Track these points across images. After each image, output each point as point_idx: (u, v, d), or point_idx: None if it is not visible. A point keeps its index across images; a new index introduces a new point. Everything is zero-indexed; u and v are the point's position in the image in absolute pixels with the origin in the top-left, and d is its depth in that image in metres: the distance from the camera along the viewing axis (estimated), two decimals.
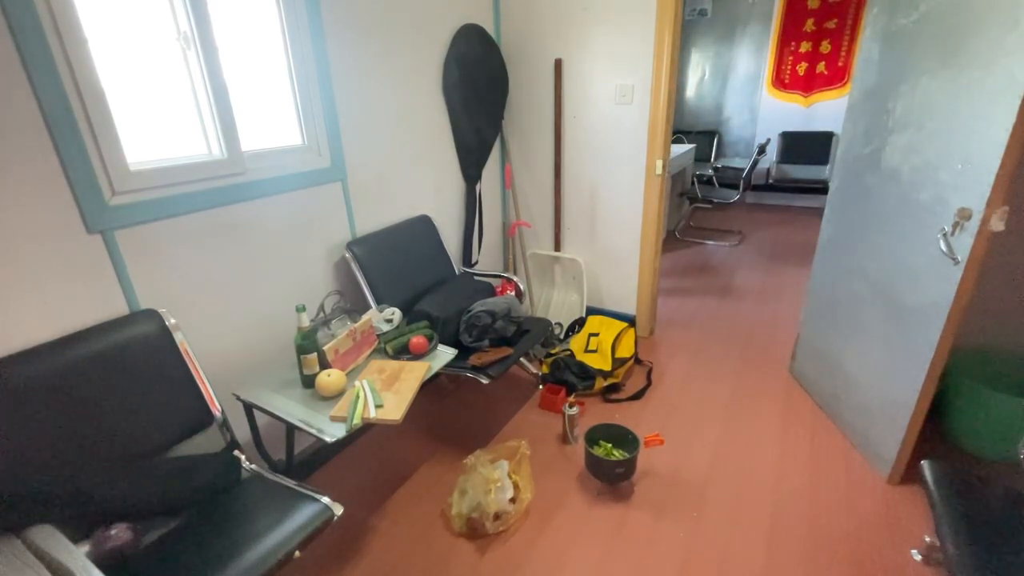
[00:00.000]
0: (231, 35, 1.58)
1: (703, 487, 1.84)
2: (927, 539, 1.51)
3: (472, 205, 2.69)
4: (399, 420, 1.43)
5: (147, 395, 1.33)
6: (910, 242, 1.65)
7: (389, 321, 1.87)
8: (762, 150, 4.31)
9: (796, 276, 3.67)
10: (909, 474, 1.78)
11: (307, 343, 1.52)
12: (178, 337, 1.42)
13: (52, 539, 1.02)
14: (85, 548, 1.10)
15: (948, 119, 1.49)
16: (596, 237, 2.84)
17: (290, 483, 1.35)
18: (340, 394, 1.51)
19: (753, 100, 5.31)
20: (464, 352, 1.93)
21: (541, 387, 2.41)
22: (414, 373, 1.63)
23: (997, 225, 1.37)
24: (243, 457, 1.46)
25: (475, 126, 2.57)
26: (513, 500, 1.70)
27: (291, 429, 1.54)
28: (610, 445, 1.88)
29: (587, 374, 2.38)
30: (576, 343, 2.55)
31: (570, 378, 2.37)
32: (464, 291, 2.20)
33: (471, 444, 2.00)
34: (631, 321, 2.71)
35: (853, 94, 1.97)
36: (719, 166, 5.20)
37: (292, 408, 1.47)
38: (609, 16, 2.38)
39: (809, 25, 4.70)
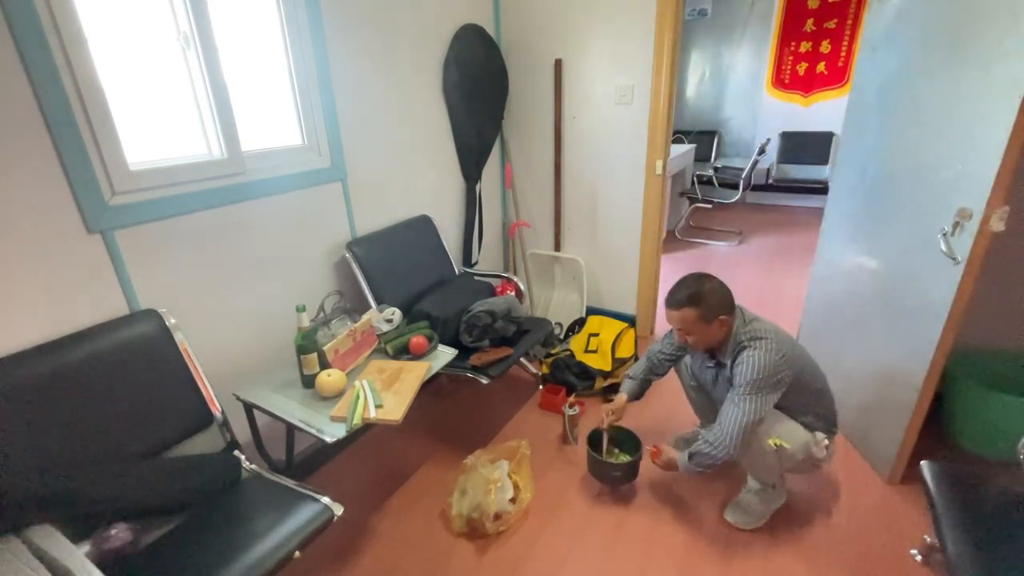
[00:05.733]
0: (231, 35, 1.58)
1: (703, 487, 1.84)
2: (927, 539, 1.51)
3: (472, 205, 2.69)
4: (399, 420, 1.43)
5: (147, 395, 1.33)
6: (910, 242, 1.65)
7: (389, 321, 1.87)
8: (762, 150, 4.31)
9: (796, 276, 3.67)
10: (909, 474, 1.78)
11: (307, 343, 1.52)
12: (178, 337, 1.42)
13: (52, 539, 1.02)
14: (85, 548, 1.10)
15: (948, 119, 1.49)
16: (596, 237, 2.84)
17: (290, 483, 1.35)
18: (340, 394, 1.51)
19: (753, 100, 5.31)
20: (464, 352, 1.93)
21: (541, 387, 2.41)
22: (414, 373, 1.63)
23: (997, 225, 1.37)
24: (243, 457, 1.46)
25: (475, 126, 2.57)
26: (513, 500, 1.70)
27: (291, 429, 1.54)
28: (616, 449, 1.88)
29: (587, 374, 2.38)
30: (576, 343, 2.55)
31: (570, 378, 2.37)
32: (464, 291, 2.20)
33: (471, 444, 2.00)
34: (631, 321, 2.71)
35: (853, 94, 1.97)
36: (719, 166, 5.19)
37: (292, 408, 1.47)
38: (609, 16, 2.38)
39: (809, 25, 4.70)
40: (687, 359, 1.83)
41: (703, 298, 1.49)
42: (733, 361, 1.52)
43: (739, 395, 1.47)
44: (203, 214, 1.53)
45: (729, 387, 1.53)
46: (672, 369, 1.87)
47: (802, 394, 1.55)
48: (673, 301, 1.53)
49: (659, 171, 2.51)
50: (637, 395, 1.88)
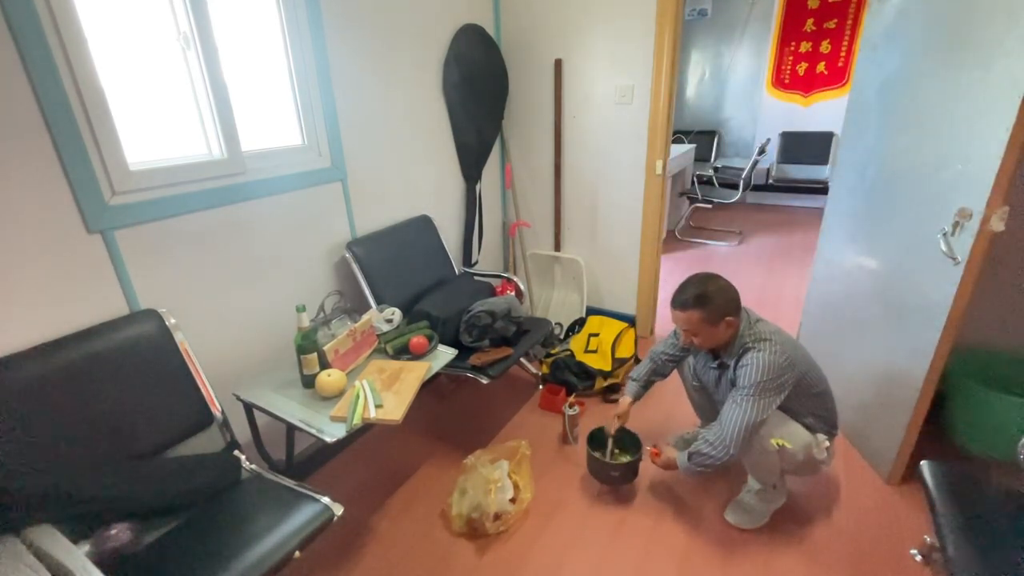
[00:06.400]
0: (231, 35, 1.58)
1: (703, 487, 1.84)
2: (927, 539, 1.51)
3: (472, 205, 2.69)
4: (399, 420, 1.43)
5: (147, 395, 1.33)
6: (910, 242, 1.65)
7: (389, 321, 1.87)
8: (762, 150, 4.31)
9: (796, 276, 3.67)
10: (909, 474, 1.78)
11: (307, 343, 1.52)
12: (178, 337, 1.42)
13: (52, 539, 1.02)
14: (85, 548, 1.10)
15: (948, 119, 1.49)
16: (596, 237, 2.84)
17: (290, 483, 1.35)
18: (340, 394, 1.51)
19: (753, 100, 5.31)
20: (464, 352, 1.93)
21: (541, 387, 2.41)
22: (414, 373, 1.63)
23: (997, 225, 1.37)
24: (243, 457, 1.46)
25: (475, 126, 2.57)
26: (513, 500, 1.70)
27: (291, 429, 1.54)
28: (616, 449, 1.87)
29: (587, 374, 2.38)
30: (576, 343, 2.55)
31: (570, 378, 2.37)
32: (464, 291, 2.20)
33: (471, 444, 2.00)
34: (631, 321, 2.71)
35: (853, 94, 1.97)
36: (719, 166, 5.19)
37: (292, 408, 1.47)
38: (609, 16, 2.38)
39: (809, 25, 4.70)
40: (690, 359, 1.83)
41: (710, 299, 1.47)
42: (737, 363, 1.51)
43: (742, 396, 1.46)
44: (203, 214, 1.53)
45: (732, 388, 1.53)
46: (674, 369, 1.87)
47: (804, 396, 1.54)
48: (679, 302, 1.52)
49: (659, 171, 2.51)
50: (640, 396, 1.88)
